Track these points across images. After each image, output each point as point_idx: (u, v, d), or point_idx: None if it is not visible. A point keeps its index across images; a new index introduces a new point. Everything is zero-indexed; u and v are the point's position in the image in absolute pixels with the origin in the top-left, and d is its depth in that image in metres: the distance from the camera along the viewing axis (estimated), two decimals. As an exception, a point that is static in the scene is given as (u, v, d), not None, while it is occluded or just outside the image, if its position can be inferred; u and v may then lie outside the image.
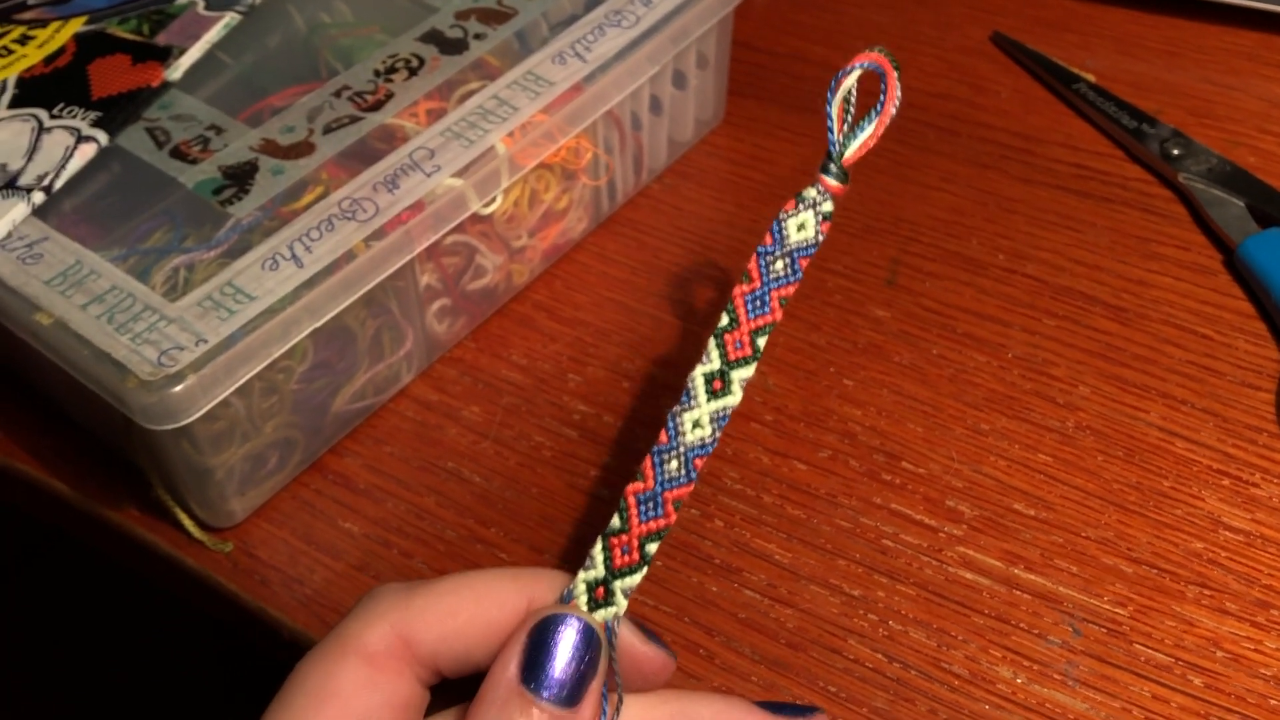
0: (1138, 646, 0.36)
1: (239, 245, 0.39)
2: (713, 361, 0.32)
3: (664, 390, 0.43)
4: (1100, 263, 0.46)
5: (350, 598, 0.38)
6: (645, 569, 0.30)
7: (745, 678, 0.36)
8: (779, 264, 0.33)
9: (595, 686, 0.28)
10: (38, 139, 0.42)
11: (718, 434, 0.32)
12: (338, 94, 0.44)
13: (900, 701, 0.35)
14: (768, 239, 0.33)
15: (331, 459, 0.42)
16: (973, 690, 0.35)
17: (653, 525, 0.31)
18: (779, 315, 0.33)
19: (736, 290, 0.33)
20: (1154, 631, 0.36)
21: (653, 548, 0.30)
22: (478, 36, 0.46)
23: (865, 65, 0.33)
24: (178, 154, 0.42)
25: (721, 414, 0.32)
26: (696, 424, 0.32)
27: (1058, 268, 0.46)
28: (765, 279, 0.33)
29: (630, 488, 0.31)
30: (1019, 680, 0.35)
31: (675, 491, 0.31)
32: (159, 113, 0.44)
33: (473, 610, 0.28)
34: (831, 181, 0.33)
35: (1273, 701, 0.34)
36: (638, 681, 0.30)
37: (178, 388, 0.34)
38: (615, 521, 0.31)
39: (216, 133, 0.43)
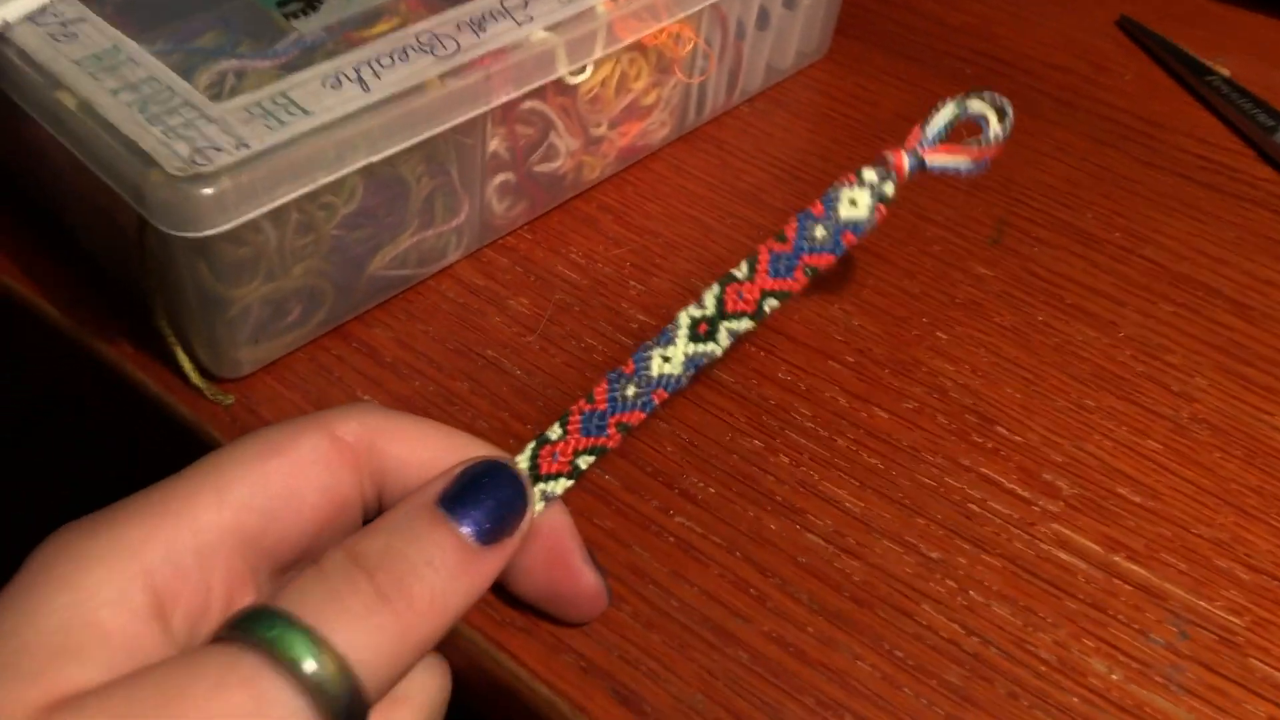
0: (1254, 661, 0.31)
1: (299, 60, 0.34)
2: (705, 307, 0.31)
3: (736, 313, 0.39)
4: (1225, 256, 0.42)
5: (360, 473, 0.34)
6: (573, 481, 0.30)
7: (801, 627, 0.31)
8: (819, 231, 0.31)
9: (508, 543, 0.26)
10: (90, -81, 0.37)
11: (687, 377, 0.31)
12: (428, -68, 0.39)
13: (977, 679, 0.30)
14: (816, 207, 0.32)
15: (358, 327, 0.37)
16: (1060, 679, 0.30)
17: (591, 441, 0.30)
18: (800, 285, 0.31)
19: (763, 246, 0.31)
20: (1273, 648, 0.31)
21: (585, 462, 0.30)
22: (588, -98, 0.41)
23: (1002, 107, 0.33)
24: (243, -38, 0.37)
25: (697, 357, 0.31)
26: (667, 359, 0.30)
27: (1178, 255, 0.42)
28: (800, 243, 0.31)
29: (576, 406, 0.30)
30: (1114, 676, 0.30)
31: (623, 416, 0.30)
32: (229, -81, 0.39)
33: (440, 451, 0.27)
34: (905, 161, 0.32)
35: (1403, 743, 0.30)
36: (567, 604, 0.30)
37: (208, 189, 0.30)
38: (555, 430, 0.30)
39: (289, -52, 0.38)
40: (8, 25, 0.33)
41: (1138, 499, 0.34)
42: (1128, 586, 0.32)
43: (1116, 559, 0.33)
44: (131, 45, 0.33)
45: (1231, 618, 0.32)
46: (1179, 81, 0.50)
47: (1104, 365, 0.38)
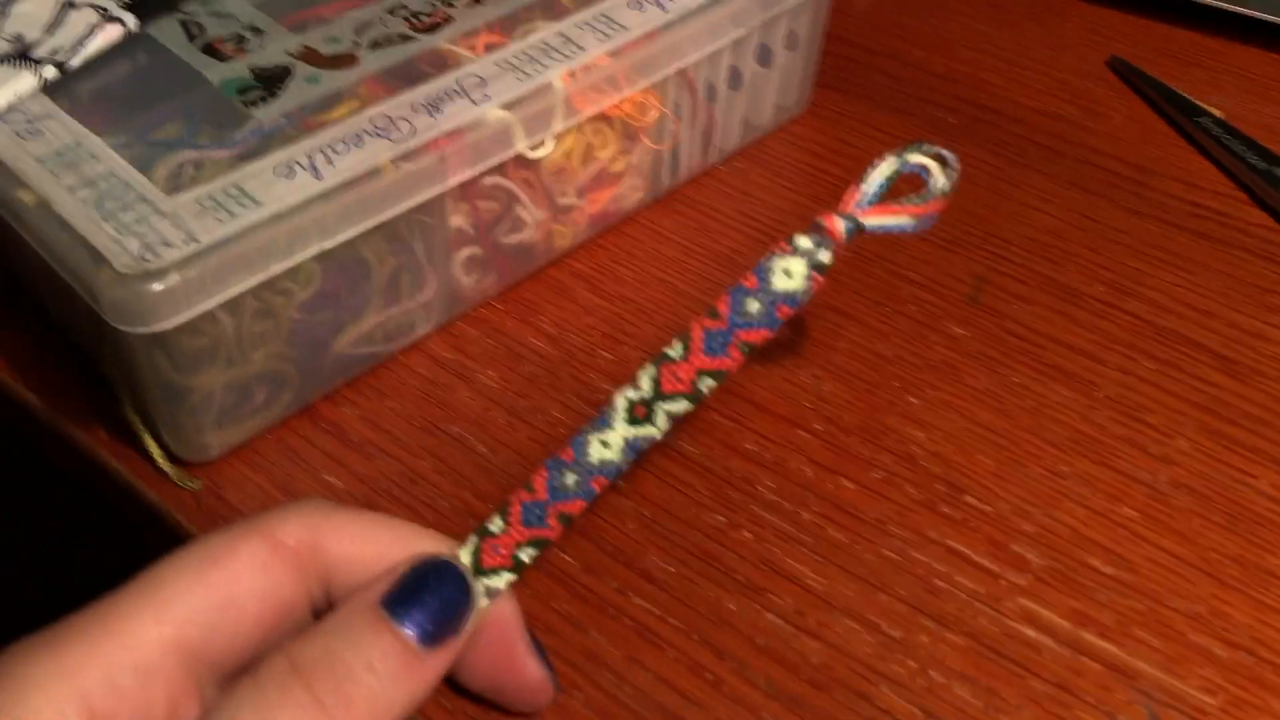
0: (1224, 742, 0.30)
1: (255, 149, 0.34)
2: (641, 389, 0.30)
3: (705, 381, 0.38)
4: (1212, 309, 0.41)
5: (319, 558, 0.34)
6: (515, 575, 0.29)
7: (755, 712, 0.30)
8: (753, 305, 0.30)
9: (452, 643, 0.26)
10: (62, 14, 0.38)
11: (627, 462, 0.29)
12: (392, 11, 0.40)
13: (934, 766, 0.30)
14: (749, 279, 0.30)
15: (326, 406, 0.38)
16: (1021, 765, 0.30)
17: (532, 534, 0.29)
18: (736, 364, 0.30)
19: (696, 323, 0.30)
20: (1245, 727, 0.30)
21: (526, 555, 0.29)
22: (553, -27, 0.42)
23: (944, 156, 0.31)
24: (210, 50, 0.38)
25: (635, 441, 0.29)
26: (605, 444, 0.29)
27: (1163, 308, 0.41)
28: (733, 319, 0.30)
29: (516, 496, 0.29)
30: (1078, 761, 0.30)
31: (564, 506, 0.29)
32: (197, 7, 0.40)
33: (386, 545, 0.27)
34: (839, 225, 0.30)
35: (1382, 830, 0.29)
36: (511, 696, 0.30)
37: (156, 286, 0.30)
38: (495, 523, 0.29)
39: (255, 33, 0.39)
40: (-28, 125, 0.34)
41: (1110, 570, 0.33)
42: (1096, 665, 0.31)
43: (1085, 635, 0.32)
44: (94, 140, 0.34)
45: (1205, 697, 0.31)
46: (1170, 124, 0.49)
47: (1080, 428, 0.37)
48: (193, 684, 0.25)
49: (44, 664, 0.24)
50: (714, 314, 0.30)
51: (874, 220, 0.31)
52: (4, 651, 0.24)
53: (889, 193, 0.32)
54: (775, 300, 0.30)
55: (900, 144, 0.44)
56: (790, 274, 0.30)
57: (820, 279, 0.30)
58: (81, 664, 0.24)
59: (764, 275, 0.30)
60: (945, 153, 0.31)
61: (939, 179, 0.31)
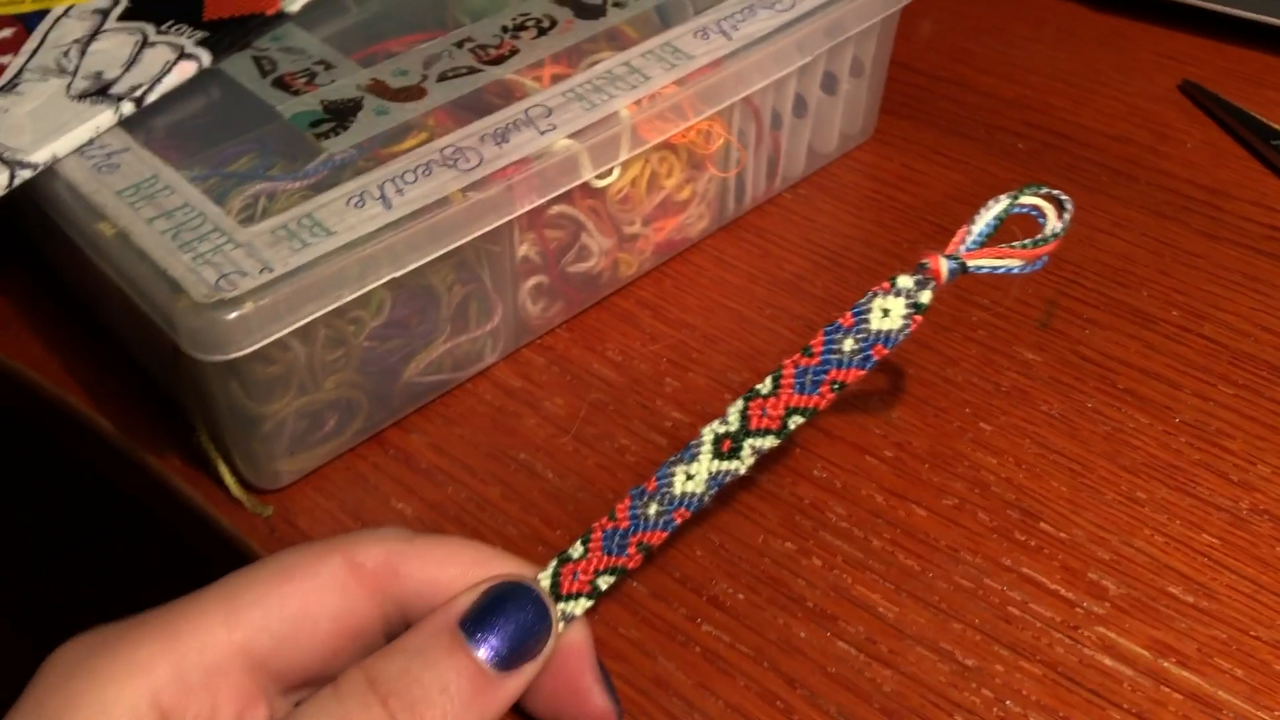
0: (1315, 777, 0.29)
1: (327, 180, 0.35)
2: (729, 423, 0.30)
3: (771, 408, 0.38)
4: (1292, 332, 0.40)
5: (389, 584, 0.34)
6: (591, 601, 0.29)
7: (827, 742, 0.30)
8: (848, 344, 0.30)
9: (528, 668, 0.26)
10: (139, 52, 0.39)
11: (710, 496, 0.30)
12: (459, 44, 0.40)
13: (1012, 799, 0.29)
14: (845, 319, 0.30)
15: (395, 433, 0.38)
16: (1103, 799, 0.29)
17: (612, 562, 0.29)
18: (826, 402, 0.30)
19: (789, 360, 0.30)
20: (1337, 762, 0.29)
21: (605, 583, 0.29)
22: (617, 4, 0.42)
23: (1060, 199, 0.32)
24: (280, 84, 0.39)
25: (719, 475, 0.30)
26: (690, 477, 0.30)
27: (1241, 332, 0.40)
28: (826, 357, 0.30)
29: (599, 523, 0.30)
30: (1162, 796, 0.29)
31: (645, 536, 0.30)
32: (269, 43, 0.41)
33: (466, 567, 0.27)
34: (943, 266, 0.30)
35: None
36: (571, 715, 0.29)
37: (231, 315, 0.31)
38: (575, 549, 0.29)
39: (325, 68, 0.40)
40: (55, 159, 0.35)
41: (1190, 599, 0.33)
42: (1177, 695, 0.31)
43: (1166, 665, 0.31)
44: (170, 173, 0.35)
45: (1293, 730, 0.30)
46: (1245, 147, 0.48)
47: (1157, 454, 0.36)
48: (259, 690, 0.26)
49: (119, 657, 0.24)
50: (808, 351, 0.30)
51: (979, 261, 0.31)
52: (80, 638, 0.25)
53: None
54: (871, 339, 0.30)
55: (970, 170, 0.44)
56: (888, 313, 0.30)
57: (919, 319, 0.30)
58: (154, 660, 0.24)
59: (861, 314, 0.30)
60: (1061, 195, 0.31)
61: (1054, 222, 0.31)
